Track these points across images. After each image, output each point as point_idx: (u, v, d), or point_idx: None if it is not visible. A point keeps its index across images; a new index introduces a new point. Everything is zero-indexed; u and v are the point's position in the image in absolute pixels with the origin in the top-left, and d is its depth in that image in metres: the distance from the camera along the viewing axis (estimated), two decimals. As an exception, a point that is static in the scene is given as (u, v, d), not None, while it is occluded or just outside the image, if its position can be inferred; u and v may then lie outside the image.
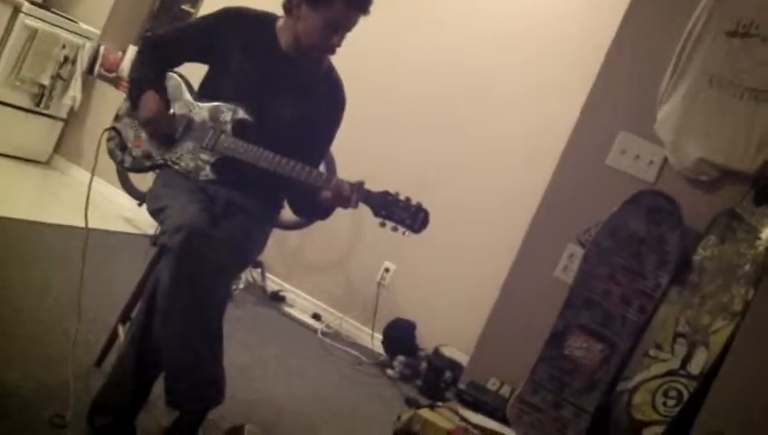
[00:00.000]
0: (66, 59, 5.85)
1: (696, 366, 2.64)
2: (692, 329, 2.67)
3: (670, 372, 2.65)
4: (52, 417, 2.52)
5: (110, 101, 5.90)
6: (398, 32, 5.20)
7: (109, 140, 3.03)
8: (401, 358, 4.67)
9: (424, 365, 4.57)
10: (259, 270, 5.22)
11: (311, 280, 5.38)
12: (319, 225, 4.77)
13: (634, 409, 2.63)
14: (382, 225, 2.63)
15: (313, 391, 4.01)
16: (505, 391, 3.05)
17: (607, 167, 3.05)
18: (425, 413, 2.56)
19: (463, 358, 4.47)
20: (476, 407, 2.90)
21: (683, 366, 2.64)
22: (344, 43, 2.86)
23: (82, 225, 2.79)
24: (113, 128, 3.04)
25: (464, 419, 2.72)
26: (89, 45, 6.00)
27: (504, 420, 2.81)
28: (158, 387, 2.60)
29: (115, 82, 6.09)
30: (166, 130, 2.91)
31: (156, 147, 2.94)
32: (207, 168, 2.82)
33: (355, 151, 4.53)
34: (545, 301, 2.99)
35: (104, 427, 2.56)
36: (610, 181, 3.04)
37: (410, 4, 5.31)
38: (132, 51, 6.04)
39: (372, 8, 2.82)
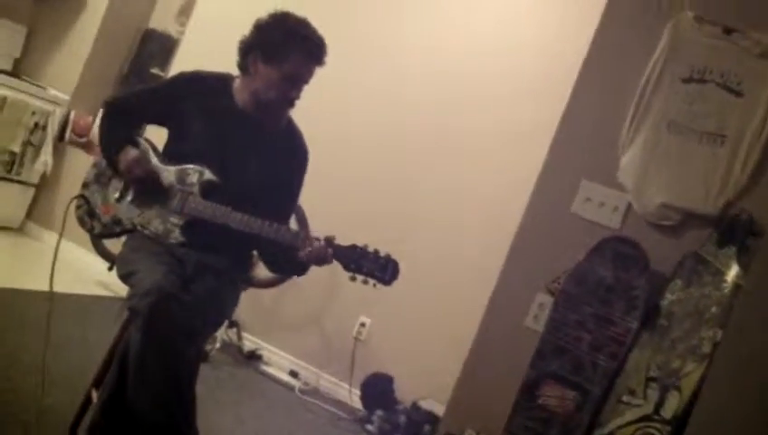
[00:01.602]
0: (37, 125, 5.87)
1: (669, 410, 2.65)
2: (663, 373, 2.68)
3: (644, 418, 2.66)
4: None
5: (82, 165, 5.88)
6: (355, 70, 5.23)
7: (78, 207, 3.05)
8: (380, 413, 4.66)
9: (403, 419, 4.55)
10: (235, 329, 5.19)
11: (287, 337, 5.36)
12: (293, 281, 4.80)
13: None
14: (353, 278, 2.66)
15: (292, 450, 3.99)
16: (482, 442, 3.06)
17: (572, 214, 3.08)
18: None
19: (442, 410, 4.45)
20: (453, 460, 2.90)
21: (656, 411, 2.65)
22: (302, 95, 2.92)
23: (56, 289, 2.79)
24: (81, 195, 3.05)
25: (440, 472, 2.71)
26: (59, 111, 6.02)
27: (480, 472, 2.80)
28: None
29: (86, 147, 6.09)
30: (151, 179, 2.92)
31: (125, 212, 2.95)
32: (177, 230, 2.84)
33: (320, 204, 4.56)
34: (517, 350, 2.99)
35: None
36: (576, 229, 3.06)
37: (374, 38, 5.38)
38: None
39: (327, 59, 2.87)
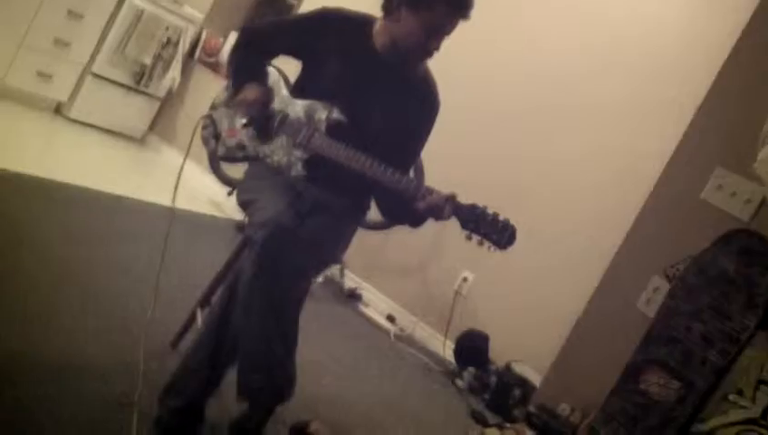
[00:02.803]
0: (169, 41, 5.97)
1: (777, 417, 2.56)
2: (777, 378, 2.58)
3: (750, 421, 2.57)
4: (120, 396, 2.56)
5: (208, 85, 6.00)
6: (492, 36, 5.14)
7: (203, 127, 3.07)
8: (471, 369, 4.64)
9: (493, 379, 4.52)
10: (338, 267, 5.23)
11: (388, 281, 5.38)
12: (401, 226, 4.79)
13: (709, 455, 2.57)
14: (469, 238, 2.61)
15: (381, 393, 4.00)
16: (576, 417, 3.01)
17: (701, 201, 2.98)
18: (492, 433, 2.53)
19: (534, 376, 4.42)
20: (545, 431, 2.86)
21: (764, 416, 2.56)
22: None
23: (170, 204, 2.83)
24: (209, 116, 3.07)
25: (530, 442, 2.68)
26: (191, 29, 6.12)
27: (572, 448, 2.76)
28: (231, 375, 2.63)
29: (214, 67, 6.17)
30: (264, 122, 2.93)
31: (250, 139, 2.97)
32: (299, 164, 2.84)
33: (441, 158, 4.49)
34: (625, 331, 2.93)
35: (175, 409, 2.59)
36: (703, 216, 2.96)
37: (510, 6, 5.25)
38: (234, 37, 6.11)
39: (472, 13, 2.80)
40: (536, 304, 4.77)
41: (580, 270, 4.30)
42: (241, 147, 2.99)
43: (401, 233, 4.83)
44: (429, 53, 2.87)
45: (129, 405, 2.53)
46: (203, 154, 3.13)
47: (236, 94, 2.95)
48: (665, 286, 2.92)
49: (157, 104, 6.29)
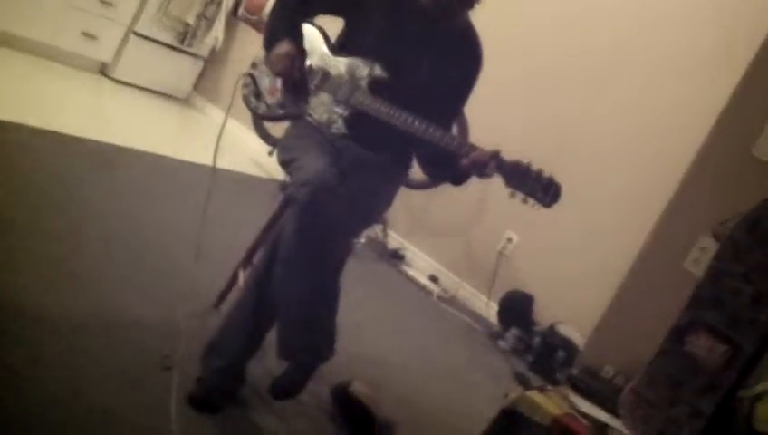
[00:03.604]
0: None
1: (828, 384, 2.48)
2: (829, 341, 2.51)
3: (797, 385, 2.51)
4: (163, 358, 2.57)
5: (252, 43, 5.96)
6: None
7: (244, 86, 3.05)
8: (515, 331, 4.61)
9: (537, 341, 4.50)
10: (381, 226, 5.21)
11: (432, 241, 5.35)
12: (445, 187, 4.74)
13: (756, 420, 2.50)
14: (512, 195, 2.57)
15: (423, 353, 4.01)
16: (619, 380, 2.97)
17: (752, 156, 2.88)
18: (533, 395, 2.50)
19: (578, 338, 4.38)
20: (588, 394, 2.81)
21: (812, 380, 2.49)
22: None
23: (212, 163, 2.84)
24: (249, 74, 3.05)
25: (573, 406, 2.65)
26: (235, -13, 6.09)
27: (615, 411, 2.72)
28: (271, 336, 2.63)
29: (257, 26, 6.12)
30: (298, 82, 2.90)
31: (289, 97, 2.94)
32: (340, 121, 2.82)
33: (484, 113, 4.41)
34: (671, 292, 2.85)
35: (216, 369, 2.60)
36: (754, 172, 2.86)
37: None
38: (276, -5, 6.06)
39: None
40: (581, 264, 4.72)
41: (625, 229, 4.24)
42: (281, 105, 2.96)
43: (445, 193, 4.81)
44: (471, 4, 2.81)
45: (169, 367, 2.55)
46: (246, 113, 3.11)
47: (269, 53, 2.92)
48: (713, 246, 2.84)
49: (201, 63, 6.29)
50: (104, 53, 5.66)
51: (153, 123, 5.66)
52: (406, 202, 5.19)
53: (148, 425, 2.33)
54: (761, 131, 2.88)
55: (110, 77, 5.76)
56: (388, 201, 2.96)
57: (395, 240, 5.35)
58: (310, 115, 2.88)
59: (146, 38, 5.79)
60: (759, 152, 2.88)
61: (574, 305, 4.56)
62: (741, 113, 2.95)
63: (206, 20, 5.99)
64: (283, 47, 2.83)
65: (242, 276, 3.01)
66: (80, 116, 4.77)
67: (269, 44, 2.91)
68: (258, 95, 3.01)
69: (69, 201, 3.47)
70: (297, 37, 2.92)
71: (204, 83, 6.38)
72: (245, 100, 3.05)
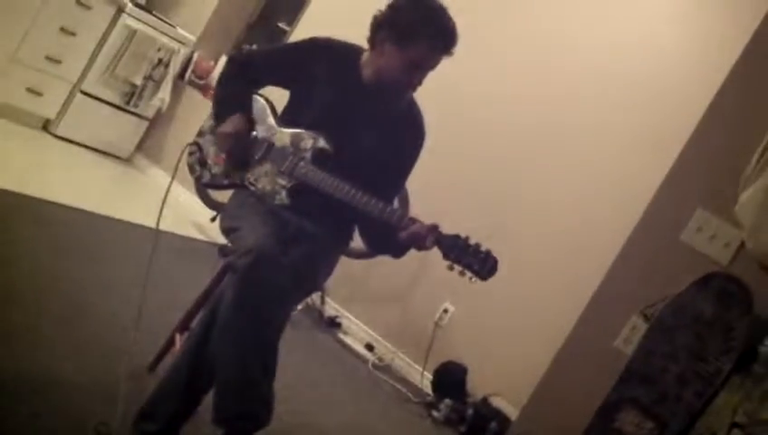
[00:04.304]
0: (160, 61, 5.99)
1: (749, 460, 2.57)
2: (750, 422, 2.60)
3: (722, 464, 2.59)
4: (98, 425, 2.54)
5: (197, 107, 6.02)
6: (476, 69, 5.18)
7: (190, 154, 3.09)
8: (448, 401, 4.64)
9: (470, 412, 4.53)
10: (319, 294, 5.24)
11: (369, 310, 5.38)
12: (384, 257, 4.80)
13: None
14: (450, 268, 2.62)
15: (357, 422, 4.01)
16: (550, 454, 3.03)
17: (681, 242, 3.00)
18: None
19: (511, 410, 4.43)
20: (518, 467, 2.87)
21: (736, 459, 2.58)
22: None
23: (154, 225, 2.85)
24: (195, 143, 3.09)
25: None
26: (183, 51, 6.15)
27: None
28: (207, 401, 2.62)
29: (204, 90, 6.19)
30: (243, 152, 2.95)
31: (232, 168, 2.98)
32: (283, 192, 2.85)
33: (425, 189, 4.50)
34: (601, 370, 2.94)
35: (149, 434, 2.58)
36: (683, 258, 2.98)
37: (495, 35, 5.28)
38: (224, 61, 6.12)
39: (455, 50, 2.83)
40: (515, 338, 4.78)
41: (559, 306, 4.31)
42: (226, 174, 3.00)
43: (383, 262, 4.82)
44: (412, 87, 2.91)
45: (104, 434, 2.52)
46: (189, 176, 3.14)
47: (218, 126, 2.97)
48: (642, 326, 2.94)
49: (145, 124, 6.30)
50: (49, 109, 5.65)
51: (95, 182, 5.64)
52: (344, 270, 5.18)
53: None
54: (689, 219, 3.00)
55: (53, 133, 5.74)
56: (328, 271, 3.00)
57: (332, 308, 5.37)
58: (253, 185, 2.92)
59: (91, 96, 5.80)
60: (687, 239, 3.00)
61: (507, 378, 4.61)
62: (672, 200, 3.08)
63: (154, 82, 6.02)
64: (230, 125, 2.90)
65: (178, 340, 3.01)
66: (20, 171, 4.74)
67: (218, 115, 2.96)
68: (203, 163, 3.05)
69: (3, 258, 3.44)
70: (246, 109, 2.97)
71: (147, 144, 6.39)
72: (190, 167, 3.09)
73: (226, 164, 2.99)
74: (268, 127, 2.98)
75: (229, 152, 2.95)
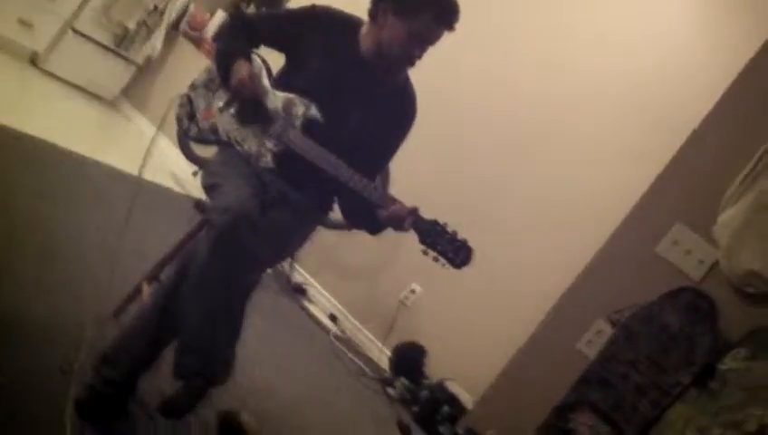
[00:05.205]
0: (155, 8, 5.93)
1: (695, 474, 2.61)
2: (700, 437, 2.64)
3: (668, 474, 2.63)
4: (62, 364, 2.53)
5: (188, 58, 5.97)
6: (480, 54, 5.18)
7: (180, 106, 3.06)
8: (404, 380, 4.67)
9: (425, 393, 4.56)
10: (289, 260, 5.23)
11: (336, 281, 5.39)
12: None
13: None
14: (425, 253, 2.63)
15: (313, 391, 4.02)
16: (501, 445, 3.06)
17: (655, 254, 3.03)
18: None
19: (465, 396, 4.46)
20: (469, 455, 2.90)
21: (683, 471, 2.62)
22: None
23: (132, 171, 2.83)
24: (186, 95, 3.06)
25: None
26: (180, 1, 6.07)
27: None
28: (167, 353, 2.62)
29: (197, 42, 6.13)
30: (256, 98, 2.91)
31: (224, 124, 2.96)
32: (269, 156, 2.84)
33: (408, 167, 4.46)
34: (561, 369, 2.97)
35: (108, 379, 2.57)
36: (656, 269, 3.01)
37: (496, 25, 5.26)
38: (220, 15, 6.06)
39: (457, 26, 2.81)
40: (479, 328, 4.80)
41: (527, 303, 4.32)
42: (214, 130, 2.98)
43: (357, 235, 4.82)
44: (411, 61, 2.89)
45: (69, 373, 2.51)
46: (171, 128, 3.11)
47: (222, 72, 2.94)
48: (608, 331, 2.97)
49: (133, 70, 6.24)
50: (38, 42, 5.58)
51: (76, 121, 5.58)
52: (317, 239, 5.18)
53: (41, 430, 2.30)
54: (667, 232, 3.03)
55: (39, 67, 5.67)
56: (303, 239, 2.99)
57: (300, 274, 5.37)
58: (239, 145, 2.90)
59: (83, 35, 5.73)
60: (662, 251, 3.03)
61: (466, 365, 4.64)
62: (652, 211, 3.10)
63: (147, 28, 5.96)
64: (246, 68, 2.86)
65: (145, 290, 3.00)
66: (3, 102, 4.68)
67: (224, 64, 2.92)
68: (192, 117, 3.02)
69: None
70: (249, 60, 2.95)
71: (133, 90, 6.33)
72: (178, 120, 3.06)
73: (222, 117, 2.96)
74: (262, 88, 2.96)
75: (243, 98, 2.92)
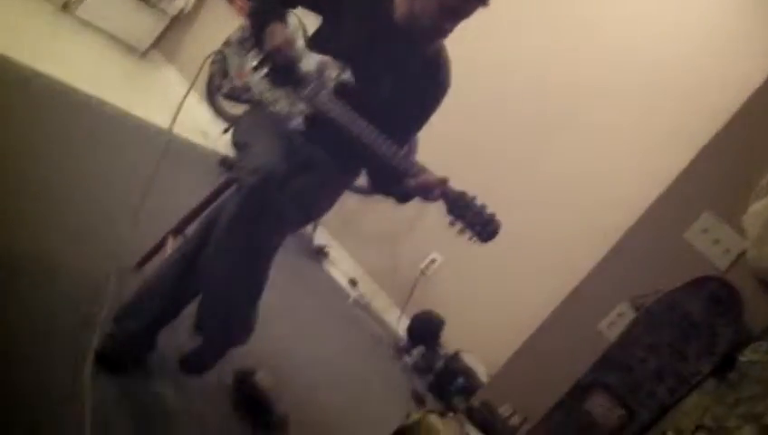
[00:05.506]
0: (191, -39, 5.90)
1: (709, 465, 2.59)
2: (716, 427, 2.62)
3: (680, 461, 2.62)
4: (86, 314, 2.53)
5: (220, 14, 5.93)
6: (512, 32, 5.13)
7: (213, 62, 3.03)
8: (421, 349, 4.68)
9: (440, 364, 4.57)
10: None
11: (358, 246, 5.39)
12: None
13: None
14: (452, 224, 2.59)
15: (329, 353, 4.03)
16: (515, 421, 3.05)
17: (683, 240, 3.01)
18: (433, 419, 2.56)
19: (480, 369, 4.46)
20: (484, 428, 2.90)
21: (695, 459, 2.61)
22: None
23: (162, 124, 2.80)
24: (221, 51, 3.04)
25: (467, 436, 2.72)
26: (218, -46, 6.04)
27: (506, 450, 2.81)
28: (188, 309, 2.63)
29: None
30: (290, 63, 2.89)
31: (257, 83, 2.94)
32: (300, 118, 2.82)
33: (438, 140, 4.44)
34: (581, 349, 2.96)
35: (129, 331, 2.59)
36: (682, 256, 2.99)
37: (532, 4, 5.23)
38: (257, -30, 5.99)
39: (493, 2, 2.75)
40: (498, 302, 4.80)
41: (548, 281, 4.31)
42: (246, 88, 2.95)
43: (380, 201, 4.82)
44: (443, 33, 2.82)
45: (90, 322, 2.52)
46: (200, 82, 3.10)
47: (258, 32, 2.91)
48: (629, 314, 2.95)
49: (166, 21, 6.21)
50: (71, -12, 5.56)
51: (107, 69, 5.57)
52: (340, 202, 5.17)
53: (59, 376, 2.31)
54: (696, 219, 3.00)
55: (71, 14, 5.65)
56: (330, 204, 2.98)
57: (322, 237, 5.37)
58: (271, 105, 2.88)
59: (117, -17, 5.71)
60: (691, 238, 3.00)
61: (483, 338, 4.64)
62: (682, 197, 3.07)
63: (181, -21, 5.94)
64: (282, 32, 2.83)
65: (170, 244, 3.00)
66: (34, 47, 4.68)
67: (258, 23, 2.90)
68: (225, 74, 3.00)
69: (7, 135, 3.40)
70: (286, 21, 2.92)
71: (165, 42, 6.30)
72: (210, 76, 3.04)
73: (256, 76, 2.94)
74: (297, 48, 2.93)
75: (277, 62, 2.89)
